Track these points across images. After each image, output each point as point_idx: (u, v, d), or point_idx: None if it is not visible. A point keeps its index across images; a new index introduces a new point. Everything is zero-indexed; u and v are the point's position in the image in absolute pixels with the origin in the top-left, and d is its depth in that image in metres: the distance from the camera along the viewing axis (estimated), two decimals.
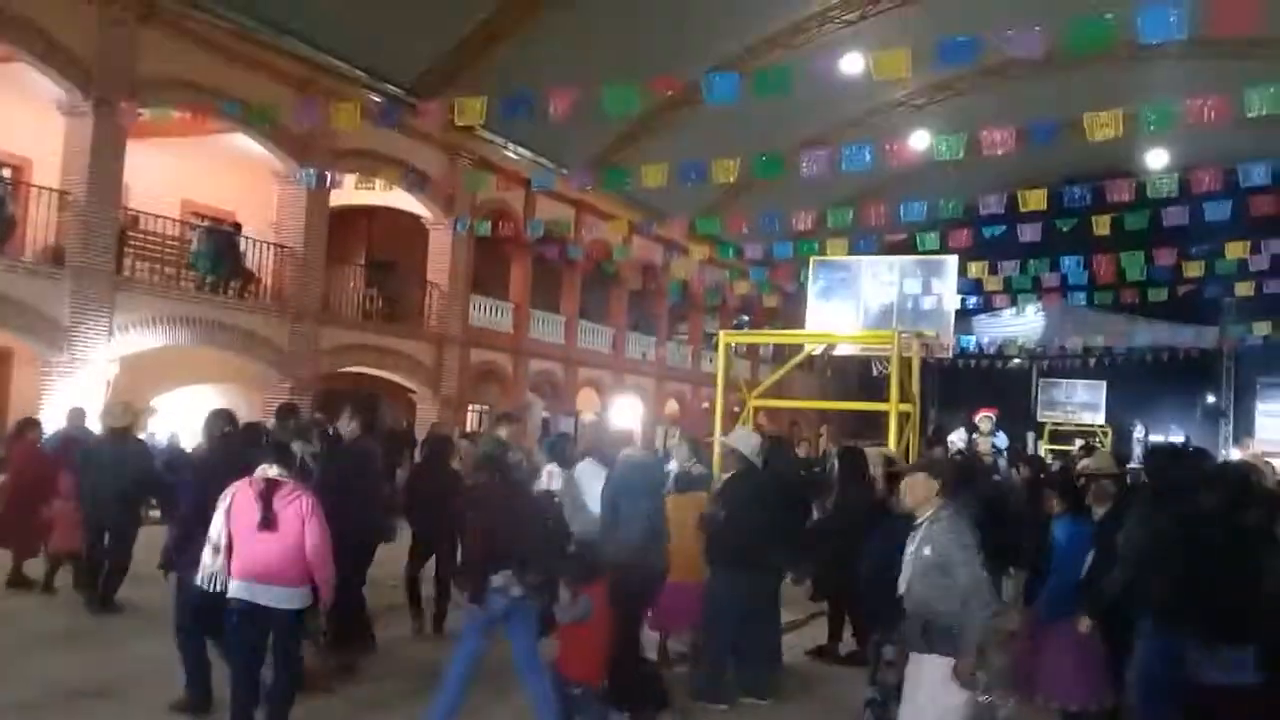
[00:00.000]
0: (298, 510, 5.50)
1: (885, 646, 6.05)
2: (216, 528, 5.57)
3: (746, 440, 7.69)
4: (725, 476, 7.68)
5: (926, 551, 4.98)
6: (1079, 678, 6.17)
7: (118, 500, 8.92)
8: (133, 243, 16.65)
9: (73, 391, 13.88)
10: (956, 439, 11.37)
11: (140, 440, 9.99)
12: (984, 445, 12.44)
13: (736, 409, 14.53)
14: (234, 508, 5.56)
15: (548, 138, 21.28)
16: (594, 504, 7.19)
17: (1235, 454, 24.55)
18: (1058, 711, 6.34)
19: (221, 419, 7.32)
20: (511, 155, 22.18)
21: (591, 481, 7.46)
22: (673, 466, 10.90)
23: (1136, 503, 6.26)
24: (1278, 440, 31.19)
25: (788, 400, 21.04)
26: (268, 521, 5.44)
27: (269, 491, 5.50)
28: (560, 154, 22.06)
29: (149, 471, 9.28)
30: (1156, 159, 25.97)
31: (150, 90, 15.40)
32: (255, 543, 5.47)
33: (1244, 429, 32.47)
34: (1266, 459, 10.56)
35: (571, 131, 18.46)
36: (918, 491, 5.20)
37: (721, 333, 15.47)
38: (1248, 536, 5.61)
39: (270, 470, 5.57)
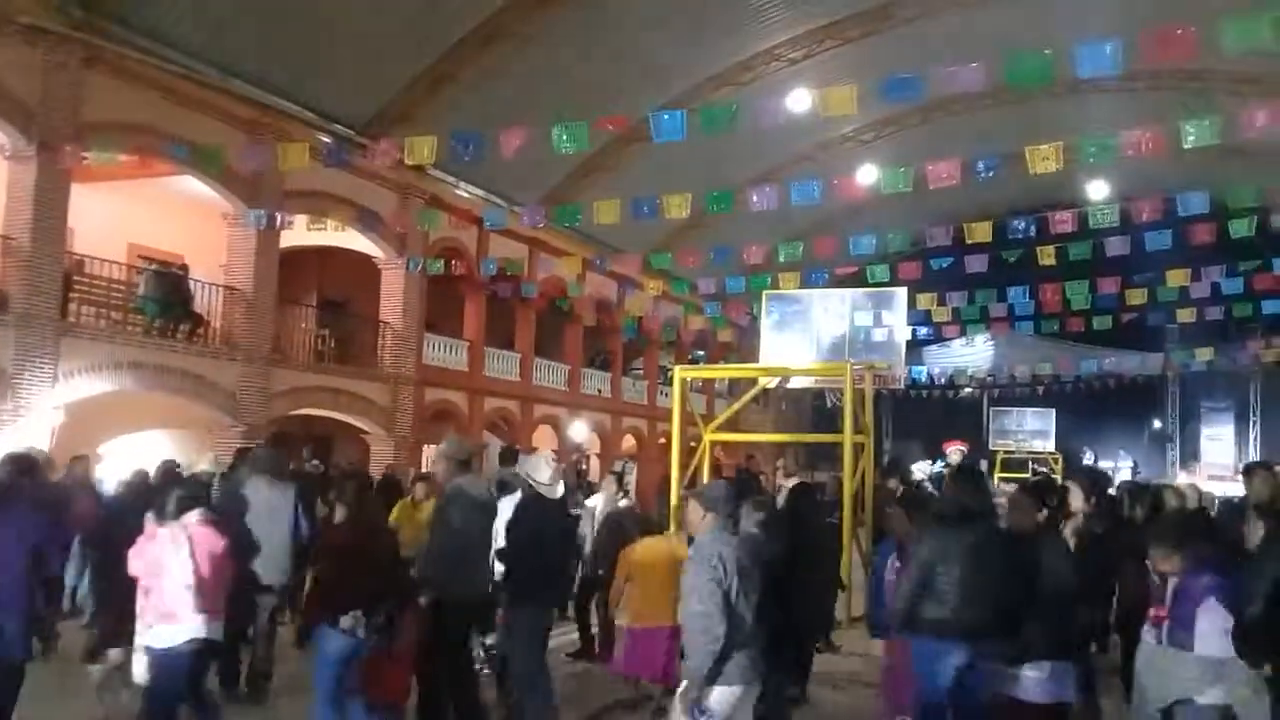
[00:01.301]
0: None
1: None
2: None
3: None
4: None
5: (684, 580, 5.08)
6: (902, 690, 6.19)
7: None
8: (78, 287, 16.37)
9: (17, 440, 13.56)
10: (920, 470, 11.53)
11: None
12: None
13: (693, 444, 14.56)
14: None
15: (499, 176, 21.35)
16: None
17: (1183, 479, 25.01)
18: None
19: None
20: (463, 194, 22.19)
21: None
22: (597, 502, 10.92)
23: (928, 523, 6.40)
24: (1222, 464, 31.85)
25: (744, 434, 21.13)
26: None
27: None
28: (512, 192, 22.12)
29: None
30: (1097, 190, 26.60)
31: (95, 134, 15.22)
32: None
33: (1190, 452, 33.13)
34: (1208, 480, 10.82)
35: (523, 169, 18.57)
36: (691, 518, 5.28)
37: (677, 368, 15.51)
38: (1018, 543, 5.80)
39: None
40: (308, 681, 6.44)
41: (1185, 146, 10.85)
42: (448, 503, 6.93)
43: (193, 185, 17.36)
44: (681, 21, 20.32)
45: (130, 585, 6.14)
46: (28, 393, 14.30)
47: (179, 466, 10.31)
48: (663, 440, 28.81)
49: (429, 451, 22.48)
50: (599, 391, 29.23)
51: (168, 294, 16.97)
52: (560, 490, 7.54)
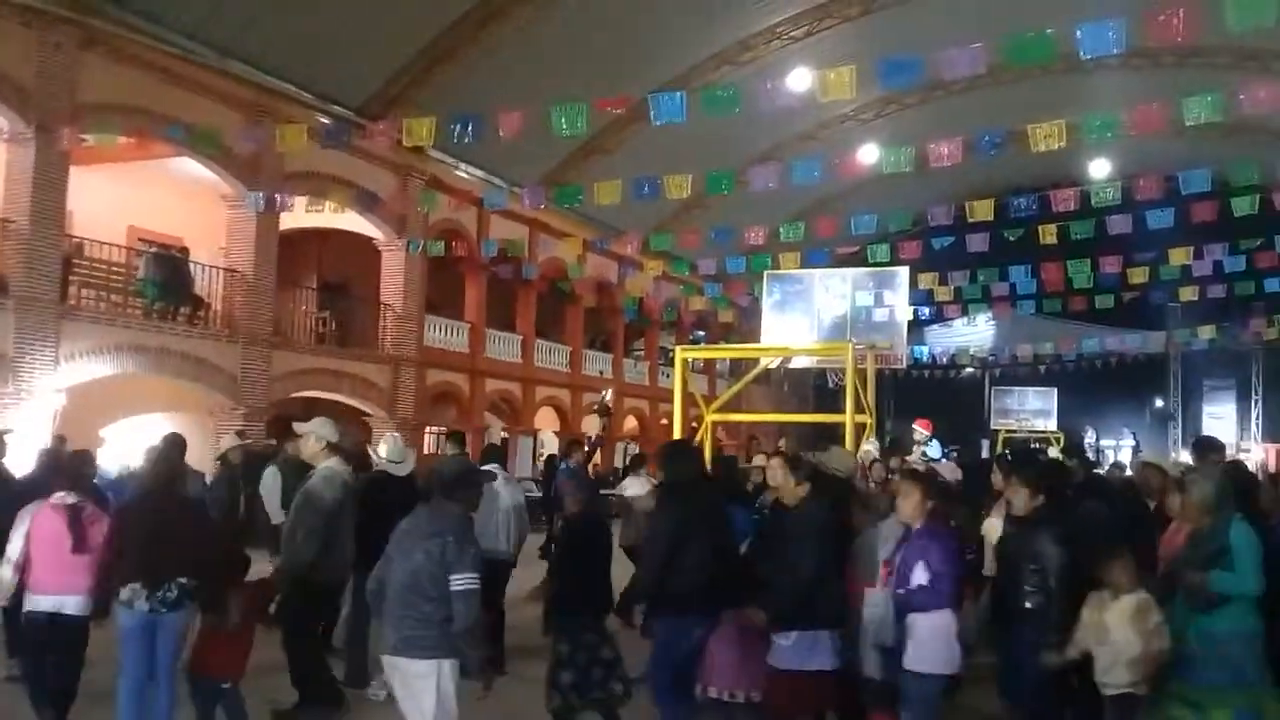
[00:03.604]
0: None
1: None
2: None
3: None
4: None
5: None
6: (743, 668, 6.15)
7: None
8: (78, 270, 16.34)
9: (19, 424, 13.58)
10: (868, 450, 11.49)
11: None
12: (915, 454, 12.74)
13: (695, 424, 14.56)
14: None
15: (499, 157, 21.26)
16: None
17: (1185, 457, 25.00)
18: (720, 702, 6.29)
19: None
20: (463, 175, 22.12)
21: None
22: (638, 488, 10.65)
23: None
24: (1225, 442, 31.73)
25: (746, 414, 21.15)
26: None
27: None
28: (512, 173, 22.04)
29: None
30: (1099, 168, 26.51)
31: (94, 116, 15.16)
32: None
33: (1192, 431, 33.10)
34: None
35: (523, 150, 18.48)
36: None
37: (678, 348, 15.50)
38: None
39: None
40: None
41: (1187, 124, 10.82)
42: (317, 485, 6.96)
43: (192, 167, 17.31)
44: (680, 0, 20.21)
45: None
46: (29, 376, 14.31)
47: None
48: (664, 421, 28.84)
49: (429, 434, 22.55)
50: (600, 373, 29.21)
51: (168, 277, 16.96)
52: (409, 468, 7.90)
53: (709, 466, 8.56)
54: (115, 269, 17.23)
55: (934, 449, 13.47)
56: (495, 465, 8.57)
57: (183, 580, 5.75)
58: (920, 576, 5.43)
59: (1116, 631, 5.25)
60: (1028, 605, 5.61)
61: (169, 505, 6.01)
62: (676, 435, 13.40)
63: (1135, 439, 32.84)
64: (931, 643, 5.38)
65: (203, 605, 5.93)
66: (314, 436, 7.21)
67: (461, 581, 4.67)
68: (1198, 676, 5.19)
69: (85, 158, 16.01)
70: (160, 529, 5.78)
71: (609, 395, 13.63)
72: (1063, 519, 5.90)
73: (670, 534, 5.89)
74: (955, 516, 6.97)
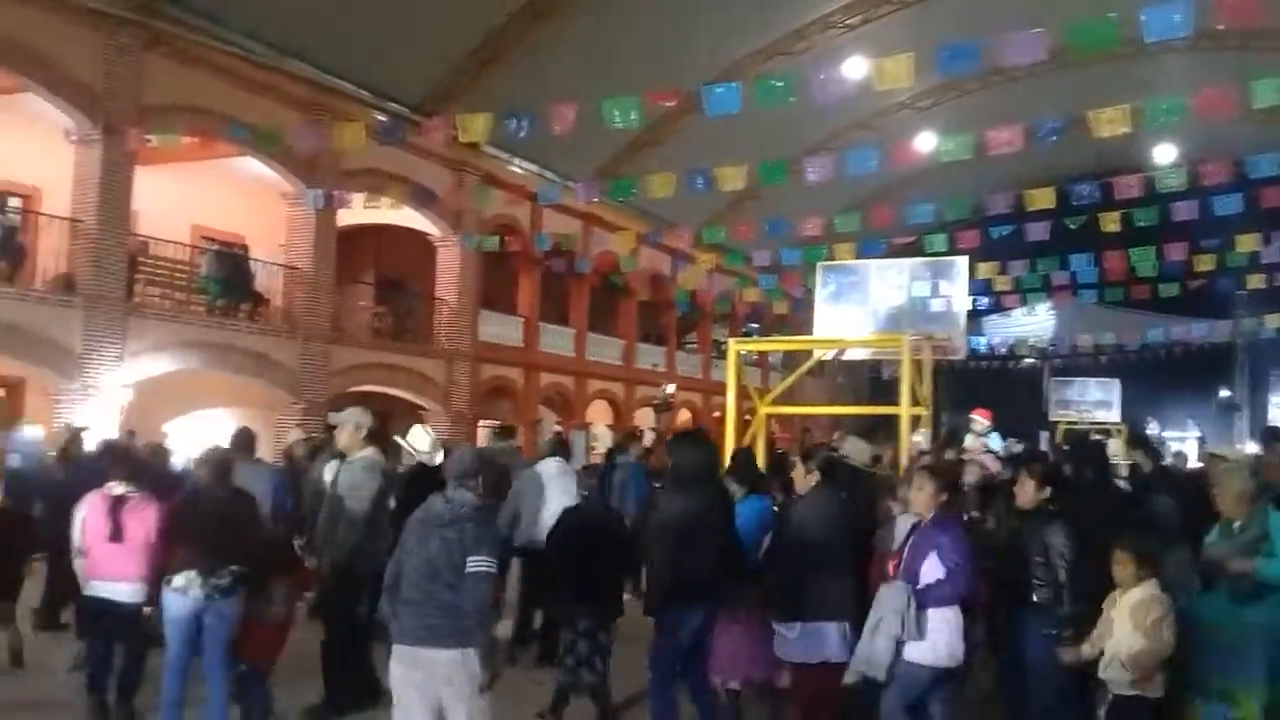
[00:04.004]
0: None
1: None
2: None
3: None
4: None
5: None
6: (752, 657, 6.12)
7: None
8: (143, 269, 16.72)
9: (87, 419, 13.92)
10: (918, 441, 11.20)
11: None
12: (976, 445, 12.34)
13: (748, 417, 14.49)
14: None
15: (553, 151, 21.32)
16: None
17: (1251, 448, 24.39)
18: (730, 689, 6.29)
19: None
20: (517, 170, 22.22)
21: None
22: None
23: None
24: None
25: (799, 407, 21.00)
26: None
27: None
28: (566, 167, 22.09)
29: None
30: (1164, 154, 25.87)
31: (158, 116, 15.48)
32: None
33: (1259, 422, 32.29)
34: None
35: (576, 144, 18.49)
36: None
37: (731, 340, 15.41)
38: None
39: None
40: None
41: (1256, 107, 10.52)
42: (358, 474, 6.93)
43: (252, 166, 17.60)
44: None
45: None
46: (96, 372, 14.66)
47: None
48: (717, 414, 28.77)
49: (482, 427, 22.71)
50: (654, 366, 29.22)
51: (229, 274, 17.28)
52: (440, 458, 7.70)
53: (761, 460, 8.48)
54: (179, 267, 17.60)
55: (995, 440, 13.09)
56: (557, 460, 8.57)
57: (235, 568, 5.92)
58: (932, 571, 5.37)
59: (1118, 626, 5.13)
60: (1035, 599, 5.53)
61: (222, 496, 6.18)
62: (730, 429, 13.36)
63: (1199, 430, 32.13)
64: (934, 635, 5.34)
65: (249, 593, 6.09)
66: (352, 425, 7.13)
67: (476, 564, 4.60)
68: (1234, 668, 5.07)
69: (150, 158, 16.34)
70: (214, 519, 5.98)
71: (670, 390, 13.56)
72: (1073, 512, 5.77)
73: (666, 525, 5.86)
74: (995, 509, 6.85)
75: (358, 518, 6.74)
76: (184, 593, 5.85)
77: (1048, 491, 5.73)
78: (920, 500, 5.59)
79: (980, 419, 13.10)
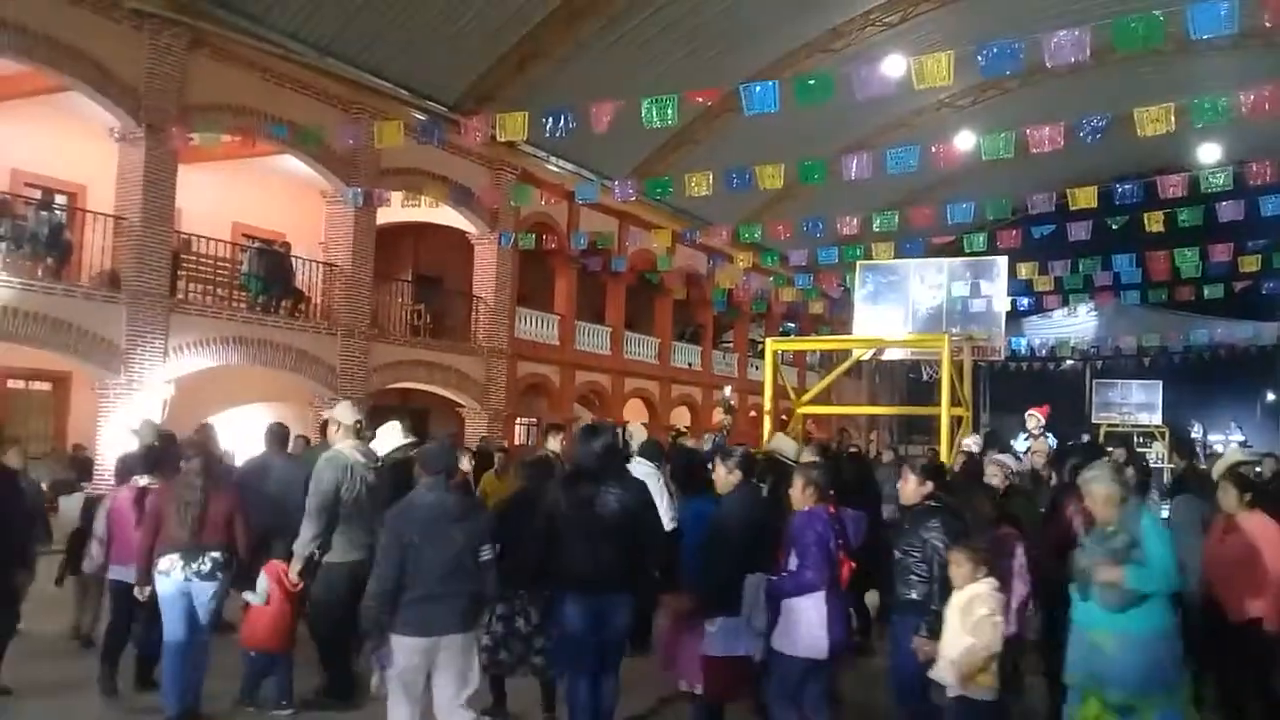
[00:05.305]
0: None
1: None
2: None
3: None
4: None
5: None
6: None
7: None
8: (186, 265, 16.93)
9: (130, 413, 14.12)
10: (969, 444, 10.93)
11: None
12: (1039, 446, 11.87)
13: (785, 416, 14.45)
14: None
15: (590, 150, 21.36)
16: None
17: None
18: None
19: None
20: (554, 168, 22.28)
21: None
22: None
23: None
24: None
25: (836, 406, 20.93)
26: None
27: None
28: (603, 166, 22.13)
29: None
30: (1209, 153, 25.49)
31: (200, 115, 15.67)
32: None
33: None
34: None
35: (613, 143, 18.53)
36: None
37: (768, 340, 15.38)
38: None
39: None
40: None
41: None
42: (319, 466, 6.93)
43: (293, 164, 17.78)
44: None
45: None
46: (140, 367, 14.87)
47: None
48: (754, 413, 28.72)
49: (519, 425, 22.80)
50: (690, 365, 29.19)
51: (270, 271, 17.45)
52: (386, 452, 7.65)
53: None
54: (220, 264, 17.80)
55: (1050, 440, 12.60)
56: (653, 464, 8.30)
57: (216, 555, 6.37)
58: (791, 561, 5.59)
59: (948, 626, 5.09)
60: (913, 595, 5.45)
61: (206, 485, 6.52)
62: (766, 428, 13.33)
63: (1243, 434, 31.58)
64: (795, 626, 5.49)
65: (233, 580, 6.56)
66: (334, 422, 7.31)
67: (489, 552, 5.11)
68: (1116, 678, 4.78)
69: (192, 156, 16.54)
70: (195, 507, 6.40)
71: (730, 392, 13.51)
72: (953, 508, 5.69)
73: (551, 517, 5.91)
74: (1014, 508, 6.74)
75: (312, 509, 6.79)
76: (167, 575, 6.31)
77: (929, 486, 5.67)
78: (794, 494, 5.80)
79: (1037, 414, 12.75)
